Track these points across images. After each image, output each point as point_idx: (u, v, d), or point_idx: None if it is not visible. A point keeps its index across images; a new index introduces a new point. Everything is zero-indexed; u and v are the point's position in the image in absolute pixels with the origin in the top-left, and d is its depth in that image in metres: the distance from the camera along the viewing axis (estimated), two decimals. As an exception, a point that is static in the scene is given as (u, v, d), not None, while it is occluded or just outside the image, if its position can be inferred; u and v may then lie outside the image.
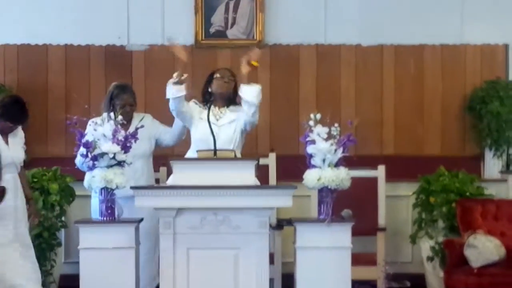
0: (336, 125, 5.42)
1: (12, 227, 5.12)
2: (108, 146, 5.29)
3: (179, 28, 8.01)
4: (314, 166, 5.40)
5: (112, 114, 5.58)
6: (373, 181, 6.80)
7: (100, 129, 5.37)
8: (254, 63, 5.76)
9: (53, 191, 6.60)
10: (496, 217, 6.71)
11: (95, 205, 5.61)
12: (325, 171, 5.34)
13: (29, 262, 5.04)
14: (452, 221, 6.74)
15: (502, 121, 7.86)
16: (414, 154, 7.93)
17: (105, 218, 5.34)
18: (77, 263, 5.33)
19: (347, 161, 5.44)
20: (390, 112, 8.08)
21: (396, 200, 7.32)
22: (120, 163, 5.36)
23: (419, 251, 7.03)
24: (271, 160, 6.83)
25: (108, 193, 5.34)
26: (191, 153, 5.88)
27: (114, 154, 5.31)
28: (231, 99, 5.89)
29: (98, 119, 5.60)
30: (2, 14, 7.96)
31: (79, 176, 5.90)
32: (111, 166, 5.33)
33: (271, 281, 5.55)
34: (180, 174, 5.26)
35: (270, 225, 5.47)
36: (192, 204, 5.11)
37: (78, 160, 5.73)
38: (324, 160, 5.37)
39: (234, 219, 5.16)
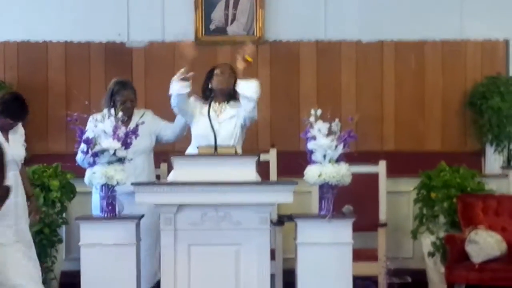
0: (336, 121, 5.42)
1: (13, 224, 5.12)
2: (108, 143, 5.29)
3: (179, 25, 8.00)
4: (314, 162, 5.40)
5: (112, 110, 5.57)
6: (374, 177, 6.79)
7: (100, 126, 5.37)
8: (248, 59, 5.76)
9: (54, 187, 6.60)
10: (497, 212, 6.70)
11: (96, 202, 5.61)
12: (326, 167, 5.34)
13: (30, 261, 5.04)
14: (453, 217, 6.73)
15: (503, 117, 7.86)
16: (414, 150, 7.92)
17: (105, 215, 5.34)
18: (78, 259, 5.34)
19: (347, 157, 5.44)
20: (391, 108, 8.07)
21: (397, 196, 7.32)
22: (120, 160, 5.35)
23: (420, 247, 7.03)
24: (271, 156, 6.82)
25: (108, 189, 5.33)
26: (191, 149, 5.88)
27: (115, 150, 5.30)
28: (232, 95, 5.89)
29: (98, 116, 5.60)
30: (2, 12, 7.95)
31: (80, 172, 5.90)
32: (112, 162, 5.32)
33: (272, 277, 5.55)
34: (181, 170, 5.26)
35: (271, 221, 5.47)
36: (193, 200, 5.11)
37: (79, 157, 5.73)
38: (324, 156, 5.37)
39: (235, 215, 5.16)
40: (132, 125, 5.70)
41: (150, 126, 6.15)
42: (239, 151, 5.76)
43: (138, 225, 5.37)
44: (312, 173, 5.38)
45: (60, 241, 6.74)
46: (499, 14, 8.10)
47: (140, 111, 6.30)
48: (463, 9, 8.10)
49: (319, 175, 5.33)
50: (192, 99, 5.87)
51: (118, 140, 5.32)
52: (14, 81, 7.88)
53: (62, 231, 6.92)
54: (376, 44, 8.10)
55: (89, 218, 5.51)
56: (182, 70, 5.76)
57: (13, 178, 5.23)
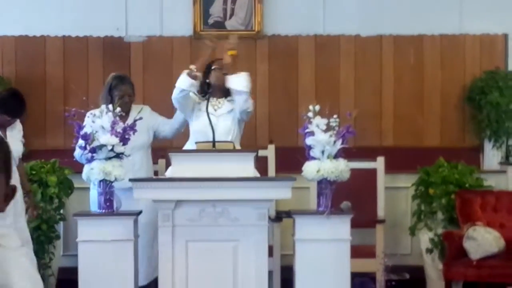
0: (335, 116, 5.41)
1: (12, 222, 5.10)
2: (106, 138, 5.28)
3: (178, 19, 7.99)
4: (313, 158, 5.39)
5: (110, 106, 5.56)
6: (372, 172, 6.78)
7: (98, 121, 5.36)
8: (232, 53, 5.75)
9: (52, 183, 6.58)
10: (495, 208, 6.69)
11: (94, 198, 5.60)
12: (324, 162, 5.33)
13: (32, 264, 5.02)
14: (451, 213, 6.72)
15: (502, 112, 7.84)
16: (413, 145, 7.91)
17: (103, 211, 5.33)
18: (76, 255, 5.34)
19: (346, 153, 5.44)
20: (389, 103, 8.05)
21: (395, 192, 7.31)
22: (118, 155, 5.34)
23: (418, 243, 7.02)
24: (270, 152, 6.81)
25: (106, 185, 5.33)
26: (189, 145, 5.87)
27: (113, 146, 5.29)
28: (229, 90, 5.88)
29: (96, 111, 5.59)
30: (0, 6, 7.92)
31: (78, 168, 5.88)
32: (110, 158, 5.31)
33: (270, 273, 5.54)
34: (179, 166, 5.26)
35: (269, 217, 5.48)
36: (191, 196, 5.10)
37: (77, 153, 5.72)
38: (323, 152, 5.36)
39: (233, 211, 5.16)
40: (130, 121, 5.70)
41: (148, 122, 6.14)
42: (237, 146, 5.75)
43: (136, 221, 5.36)
44: (310, 169, 5.37)
45: (58, 237, 6.72)
46: (498, 8, 8.08)
47: (138, 106, 6.29)
48: (462, 3, 8.08)
49: (318, 171, 5.33)
50: (191, 94, 5.86)
51: (116, 135, 5.31)
52: (12, 75, 7.86)
53: (60, 227, 6.91)
54: (375, 39, 8.09)
55: (87, 214, 5.51)
56: (193, 66, 5.73)
57: (11, 174, 5.21)
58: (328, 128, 5.37)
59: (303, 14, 8.07)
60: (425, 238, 6.85)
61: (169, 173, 5.43)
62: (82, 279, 5.23)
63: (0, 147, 1.97)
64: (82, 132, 5.33)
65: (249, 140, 6.80)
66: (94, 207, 5.62)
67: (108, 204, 5.34)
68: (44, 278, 6.27)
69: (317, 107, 5.41)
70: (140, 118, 5.69)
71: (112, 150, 5.31)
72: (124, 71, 7.24)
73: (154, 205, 5.29)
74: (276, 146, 6.90)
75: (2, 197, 1.96)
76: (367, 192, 6.69)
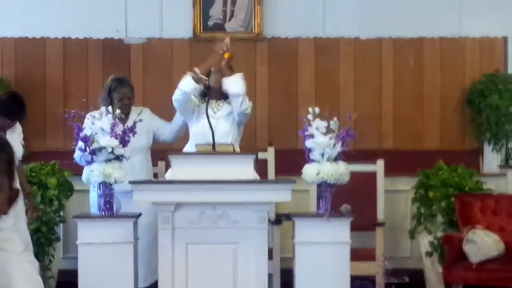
0: (335, 119, 5.41)
1: (13, 225, 5.09)
2: (106, 140, 5.28)
3: (177, 21, 7.99)
4: (313, 161, 5.39)
5: (110, 108, 5.55)
6: (372, 175, 6.78)
7: (98, 123, 5.35)
8: (226, 55, 5.75)
9: (52, 185, 6.58)
10: (495, 212, 6.69)
11: (94, 200, 5.60)
12: (324, 165, 5.33)
13: (32, 265, 5.01)
14: (451, 216, 6.72)
15: (501, 115, 7.83)
16: (413, 148, 7.90)
17: (103, 213, 5.33)
18: (76, 258, 5.34)
19: (346, 156, 5.44)
20: (389, 106, 8.05)
21: (395, 195, 7.31)
22: (118, 157, 5.34)
23: (418, 246, 7.02)
24: (269, 154, 6.81)
25: (106, 187, 5.32)
26: (189, 147, 5.86)
27: (113, 148, 5.29)
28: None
29: (96, 113, 5.58)
30: (0, 8, 7.92)
31: (78, 170, 5.88)
32: (110, 160, 5.31)
33: (270, 276, 5.53)
34: (179, 169, 5.25)
35: (269, 220, 5.47)
36: (190, 199, 5.10)
37: (77, 155, 5.71)
38: (323, 155, 5.36)
39: (233, 214, 5.16)
40: (129, 123, 5.69)
41: (147, 124, 6.14)
42: (237, 149, 5.75)
43: (135, 224, 5.36)
44: (310, 171, 5.37)
45: (58, 239, 6.72)
46: (498, 11, 8.08)
47: (138, 108, 6.29)
48: (462, 6, 8.08)
49: (317, 174, 5.33)
50: (192, 96, 5.85)
51: (116, 137, 5.31)
52: (12, 77, 7.85)
53: (60, 229, 6.91)
54: (375, 41, 8.08)
55: (86, 216, 5.50)
56: (197, 70, 5.71)
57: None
58: (328, 130, 5.37)
59: (303, 16, 8.07)
60: (424, 241, 6.86)
61: (169, 175, 5.43)
62: (82, 282, 5.23)
63: (4, 150, 1.98)
64: (81, 134, 5.33)
65: (248, 143, 6.79)
66: (94, 209, 5.61)
67: (108, 206, 5.34)
68: (44, 280, 6.23)
69: (317, 110, 5.41)
70: (140, 120, 5.69)
71: (112, 152, 5.30)
72: (124, 73, 7.25)
73: (154, 207, 5.28)
74: (276, 148, 6.90)
75: (6, 199, 1.97)
76: (367, 195, 6.69)
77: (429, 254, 6.79)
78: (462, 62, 8.12)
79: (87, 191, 6.10)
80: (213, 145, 5.44)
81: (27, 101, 5.78)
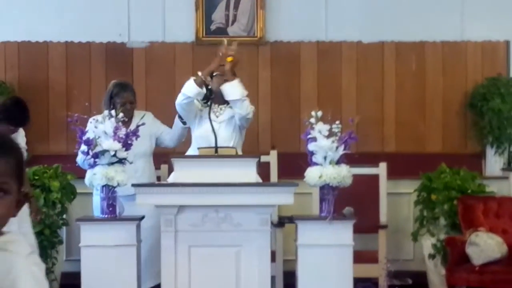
0: (337, 122, 5.41)
1: (17, 228, 5.11)
2: (109, 144, 5.29)
3: (180, 25, 8.00)
4: (315, 164, 5.39)
5: (113, 111, 5.56)
6: (375, 178, 6.79)
7: (101, 127, 5.36)
8: (228, 59, 5.76)
9: (54, 188, 6.58)
10: (497, 214, 6.69)
11: (97, 203, 5.61)
12: (327, 168, 5.34)
13: (38, 268, 5.01)
14: (453, 219, 6.72)
15: (503, 118, 7.84)
16: (415, 151, 7.91)
17: (106, 216, 5.33)
18: (79, 261, 5.34)
19: (348, 159, 5.44)
20: (391, 109, 8.06)
21: (398, 198, 7.31)
22: (121, 161, 5.35)
23: (421, 249, 7.02)
24: (272, 158, 6.82)
25: (109, 190, 5.33)
26: (192, 151, 5.87)
27: (115, 151, 5.30)
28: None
29: (99, 117, 5.59)
30: (3, 12, 7.94)
31: (81, 173, 5.89)
32: (112, 163, 5.32)
33: (273, 278, 5.54)
34: (181, 172, 5.26)
35: (272, 223, 5.47)
36: (193, 202, 5.10)
37: (79, 158, 5.73)
38: (325, 158, 5.36)
39: (236, 217, 5.16)
40: (132, 127, 5.69)
41: (150, 128, 6.15)
42: (239, 152, 5.76)
43: (138, 226, 5.36)
44: (312, 174, 5.37)
45: (61, 242, 6.73)
46: (500, 15, 8.09)
47: (141, 112, 6.30)
48: (464, 10, 8.09)
49: (320, 177, 5.33)
50: (194, 100, 5.86)
51: (119, 141, 5.32)
52: (15, 81, 7.87)
53: (63, 232, 6.91)
54: (377, 45, 8.09)
55: (89, 219, 5.50)
56: (200, 74, 5.72)
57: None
58: (330, 134, 5.37)
59: (305, 20, 8.08)
60: (427, 243, 6.86)
61: (171, 178, 5.43)
62: (85, 284, 5.23)
63: (15, 154, 1.99)
64: (84, 138, 5.33)
65: (251, 146, 6.80)
66: (97, 212, 5.62)
67: (110, 209, 5.34)
68: (46, 283, 6.27)
69: (319, 113, 5.42)
70: (143, 124, 5.69)
71: (114, 155, 5.31)
72: (127, 77, 7.26)
73: (157, 210, 5.29)
74: (278, 151, 6.91)
75: (14, 202, 1.98)
76: (369, 197, 6.70)
77: (432, 256, 6.79)
78: (464, 66, 8.12)
79: (90, 194, 6.11)
80: (216, 148, 5.45)
81: (30, 105, 5.78)
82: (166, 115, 6.38)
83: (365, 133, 7.36)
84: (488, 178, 7.52)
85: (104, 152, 5.29)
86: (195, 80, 5.68)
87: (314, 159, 5.40)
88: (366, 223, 6.15)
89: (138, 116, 6.17)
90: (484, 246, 6.20)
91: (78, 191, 6.72)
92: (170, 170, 5.68)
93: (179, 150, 6.43)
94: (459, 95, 8.06)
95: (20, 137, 5.54)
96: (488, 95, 7.87)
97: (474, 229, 6.40)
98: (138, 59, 8.00)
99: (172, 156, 5.42)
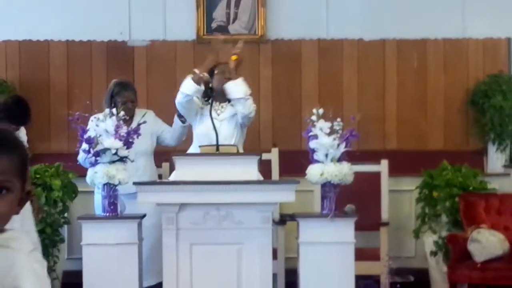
0: (338, 120, 5.42)
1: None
2: (110, 142, 5.29)
3: (181, 23, 8.00)
4: (317, 161, 5.40)
5: (114, 109, 5.56)
6: (376, 175, 6.79)
7: (102, 125, 5.36)
8: (233, 58, 5.76)
9: (56, 187, 6.59)
10: (499, 211, 6.69)
11: (98, 201, 5.61)
12: (328, 166, 5.34)
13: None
14: (455, 216, 6.72)
15: (505, 115, 7.83)
16: (417, 149, 7.90)
17: (107, 214, 5.33)
18: (80, 259, 5.35)
19: (349, 156, 5.44)
20: (393, 107, 8.05)
21: (399, 195, 7.31)
22: (122, 159, 5.35)
23: (423, 246, 7.02)
24: (273, 155, 6.82)
25: (110, 189, 5.33)
26: (193, 149, 5.87)
27: (117, 149, 5.30)
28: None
29: (100, 115, 5.59)
30: (4, 11, 7.94)
31: (82, 172, 5.90)
32: (114, 161, 5.32)
33: (275, 276, 5.54)
34: (183, 170, 5.26)
35: (273, 220, 5.47)
36: (195, 200, 5.10)
37: (81, 156, 5.73)
38: (326, 155, 5.37)
39: (237, 215, 5.16)
40: (133, 125, 5.69)
41: (151, 127, 6.15)
42: (240, 150, 5.76)
43: (140, 225, 5.36)
44: (314, 172, 5.37)
45: (62, 240, 6.73)
46: (501, 12, 8.07)
47: (142, 110, 6.30)
48: (465, 7, 8.08)
49: (321, 174, 5.33)
50: (194, 98, 5.86)
51: (120, 139, 5.32)
52: (16, 80, 7.87)
53: (64, 230, 6.92)
54: (378, 43, 8.08)
55: (91, 217, 5.51)
56: (197, 70, 5.72)
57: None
58: (332, 131, 5.38)
59: (306, 18, 8.07)
60: (429, 240, 6.85)
61: (173, 176, 5.43)
62: (87, 283, 5.24)
63: (19, 152, 1.99)
64: (86, 136, 5.33)
65: (252, 144, 6.80)
66: (98, 210, 5.62)
67: (112, 207, 5.34)
68: (48, 282, 6.27)
69: (321, 111, 5.42)
70: (144, 122, 5.69)
71: (116, 153, 5.31)
72: (128, 75, 7.26)
73: (158, 208, 5.29)
74: (280, 149, 6.91)
75: (16, 200, 1.98)
76: (371, 195, 6.70)
77: (433, 253, 6.79)
78: (466, 63, 8.11)
79: (91, 193, 6.11)
80: (217, 146, 5.45)
81: (32, 103, 5.79)
82: (167, 113, 6.38)
83: (366, 130, 7.34)
84: (490, 175, 7.53)
85: (105, 150, 5.30)
86: (192, 78, 5.68)
87: (315, 156, 5.40)
88: (368, 221, 6.15)
89: (140, 114, 6.17)
90: (486, 243, 6.19)
91: (79, 189, 6.73)
92: (172, 168, 5.69)
93: (180, 148, 6.43)
94: (461, 92, 8.05)
95: (22, 135, 5.53)
96: (490, 92, 7.86)
97: (476, 226, 6.39)
98: (139, 58, 7.99)
99: (174, 154, 5.42)
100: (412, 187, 7.12)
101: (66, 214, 6.75)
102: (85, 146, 5.36)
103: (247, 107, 5.74)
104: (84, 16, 7.94)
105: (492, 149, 7.88)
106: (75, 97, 7.74)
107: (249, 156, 5.39)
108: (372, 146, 7.71)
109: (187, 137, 6.22)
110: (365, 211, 5.88)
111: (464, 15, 8.08)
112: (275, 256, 6.00)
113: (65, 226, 6.87)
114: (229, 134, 5.79)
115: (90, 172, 5.43)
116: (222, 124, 5.77)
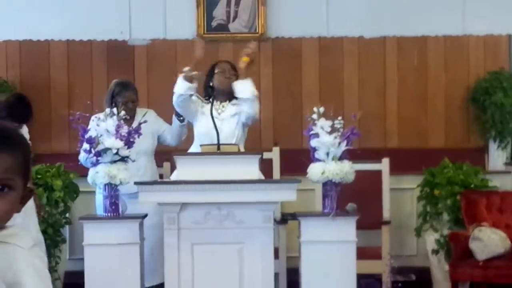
0: (339, 118, 5.41)
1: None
2: (111, 142, 5.28)
3: (181, 22, 7.99)
4: (318, 160, 5.39)
5: (115, 109, 5.55)
6: (377, 174, 6.78)
7: (103, 125, 5.36)
8: (244, 59, 5.75)
9: (57, 187, 6.58)
10: (500, 209, 6.69)
11: (99, 201, 5.60)
12: (329, 164, 5.33)
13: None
14: (457, 214, 6.72)
15: (506, 112, 7.82)
16: (418, 147, 7.90)
17: (109, 214, 5.33)
18: (82, 259, 5.34)
19: (351, 154, 5.43)
20: (394, 105, 8.04)
21: (401, 193, 7.31)
22: (123, 159, 5.34)
23: (424, 244, 7.02)
24: (274, 154, 6.81)
25: (112, 188, 5.33)
26: (194, 148, 5.87)
27: (118, 149, 5.29)
28: (233, 94, 5.87)
29: (101, 115, 5.59)
30: (4, 10, 7.94)
31: (83, 172, 5.89)
32: (115, 161, 5.31)
33: (276, 275, 5.53)
34: (184, 169, 5.25)
35: (275, 220, 5.47)
36: (196, 199, 5.10)
37: (82, 156, 5.72)
38: (328, 154, 5.36)
39: (238, 214, 5.15)
40: (134, 125, 5.68)
41: (152, 126, 6.14)
42: (242, 149, 5.75)
43: (141, 225, 5.36)
44: (315, 170, 5.37)
45: (64, 241, 6.73)
46: (502, 9, 8.07)
47: (143, 110, 6.29)
48: (465, 4, 8.07)
49: (322, 173, 5.32)
50: (193, 97, 5.85)
51: (121, 139, 5.31)
52: (17, 79, 7.87)
53: (66, 231, 6.92)
54: (379, 40, 8.08)
55: (92, 218, 5.51)
56: (187, 68, 5.72)
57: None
58: (333, 130, 5.37)
59: (307, 16, 8.07)
60: (431, 239, 6.85)
61: (174, 176, 5.43)
62: (88, 283, 5.24)
63: (22, 150, 1.99)
64: (87, 136, 5.33)
65: (253, 143, 6.79)
66: (99, 210, 5.62)
67: (113, 207, 5.34)
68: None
69: (322, 109, 5.41)
70: (145, 121, 5.68)
71: (117, 153, 5.31)
72: (128, 75, 7.26)
73: (160, 208, 5.29)
74: (281, 148, 6.90)
75: (18, 198, 1.98)
76: (372, 193, 6.69)
77: (435, 252, 6.79)
78: (467, 60, 8.11)
79: (92, 193, 6.11)
80: (218, 145, 5.44)
81: (32, 103, 5.78)
82: (168, 112, 6.37)
83: (367, 128, 7.34)
84: (491, 172, 7.52)
85: (106, 150, 5.29)
86: (183, 77, 5.67)
87: (316, 155, 5.40)
88: (369, 219, 6.14)
89: (140, 113, 6.16)
90: (487, 241, 6.19)
91: (80, 189, 6.73)
92: (173, 167, 5.68)
93: (182, 147, 6.42)
94: (462, 89, 8.04)
95: (24, 134, 5.53)
96: (491, 89, 7.85)
97: (477, 224, 6.39)
98: (140, 57, 7.99)
99: (175, 154, 5.41)
100: (414, 185, 7.11)
101: (67, 215, 6.75)
102: (86, 146, 5.35)
103: (254, 108, 5.74)
104: (85, 15, 7.94)
105: (493, 146, 7.88)
106: (76, 97, 7.74)
107: (250, 155, 5.38)
108: (373, 144, 7.70)
109: (188, 136, 6.21)
110: (366, 209, 5.88)
111: (464, 12, 8.08)
112: (276, 255, 5.97)
113: (67, 227, 6.87)
114: (230, 133, 5.78)
115: (91, 172, 5.42)
116: (223, 123, 5.77)
